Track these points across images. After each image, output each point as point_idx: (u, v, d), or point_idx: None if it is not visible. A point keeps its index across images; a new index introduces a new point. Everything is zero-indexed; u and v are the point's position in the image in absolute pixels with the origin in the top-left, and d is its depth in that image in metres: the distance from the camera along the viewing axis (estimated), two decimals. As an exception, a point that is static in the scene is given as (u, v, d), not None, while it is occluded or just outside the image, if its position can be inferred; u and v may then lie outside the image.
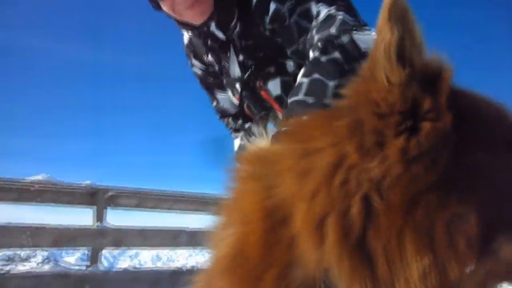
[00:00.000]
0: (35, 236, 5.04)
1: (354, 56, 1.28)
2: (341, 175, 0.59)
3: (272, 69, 1.62)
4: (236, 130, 1.98)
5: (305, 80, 1.26)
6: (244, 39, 1.64)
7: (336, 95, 1.19)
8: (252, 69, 1.65)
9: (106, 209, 5.67)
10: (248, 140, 1.92)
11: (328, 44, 1.28)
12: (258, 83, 1.69)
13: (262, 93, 1.70)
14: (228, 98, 1.89)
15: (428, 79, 0.62)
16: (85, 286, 5.11)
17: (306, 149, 0.64)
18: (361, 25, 1.35)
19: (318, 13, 1.40)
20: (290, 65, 1.63)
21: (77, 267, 6.28)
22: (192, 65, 1.94)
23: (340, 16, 1.33)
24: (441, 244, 0.56)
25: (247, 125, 1.94)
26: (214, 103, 2.00)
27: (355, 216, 0.57)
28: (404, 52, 0.61)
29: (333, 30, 1.31)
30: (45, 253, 6.71)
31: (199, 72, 1.93)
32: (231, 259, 0.65)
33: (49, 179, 5.44)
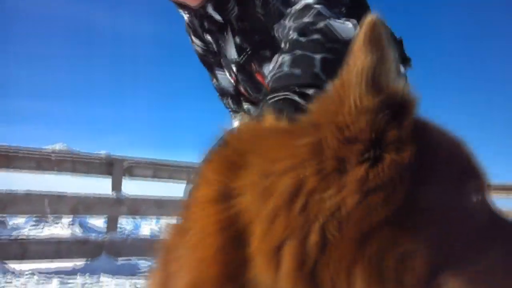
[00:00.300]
0: (55, 203, 5.23)
1: (334, 37, 1.20)
2: (301, 201, 0.58)
3: (267, 53, 1.60)
4: (235, 111, 1.99)
5: (287, 56, 1.16)
6: (241, 21, 1.62)
7: (325, 70, 1.11)
8: (248, 52, 1.64)
9: (123, 179, 5.81)
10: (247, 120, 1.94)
11: (305, 29, 1.21)
12: (253, 66, 1.67)
13: (257, 76, 1.69)
14: (227, 77, 1.89)
15: (395, 108, 0.61)
16: (102, 252, 5.31)
17: (269, 168, 0.62)
18: (339, 17, 1.28)
19: (296, 2, 1.34)
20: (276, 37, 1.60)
21: (99, 232, 6.47)
22: (192, 42, 1.93)
23: (318, 7, 1.26)
24: (390, 281, 0.56)
25: (246, 107, 1.95)
26: (214, 81, 2.00)
27: (312, 246, 0.56)
28: (377, 78, 0.60)
29: (307, 19, 1.24)
30: (71, 218, 6.94)
31: (199, 50, 1.92)
32: (189, 280, 0.63)
33: (67, 148, 5.57)
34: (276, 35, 1.44)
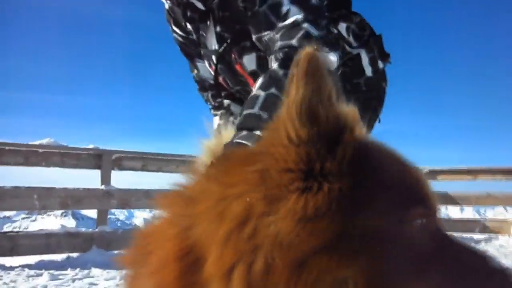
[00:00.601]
0: (44, 198, 5.22)
1: None
2: (251, 226, 0.60)
3: (248, 43, 1.60)
4: (216, 108, 1.99)
5: (262, 93, 1.28)
6: (222, 10, 1.62)
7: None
8: (228, 42, 1.64)
9: (112, 171, 5.80)
10: (227, 120, 1.94)
11: (287, 58, 1.30)
12: (233, 56, 1.67)
13: (237, 67, 1.69)
14: (207, 68, 1.88)
15: (333, 139, 0.63)
16: (92, 245, 5.33)
17: (224, 192, 0.64)
18: (324, 40, 1.36)
19: (286, 15, 1.39)
20: (255, 39, 1.58)
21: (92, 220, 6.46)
22: (173, 31, 1.91)
23: (305, 26, 1.34)
24: None
25: (225, 103, 1.95)
26: (195, 72, 1.99)
27: (257, 271, 0.58)
28: (312, 110, 0.62)
29: (294, 41, 1.33)
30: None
31: (179, 39, 1.91)
32: None
33: (55, 142, 5.53)
34: (262, 40, 1.47)
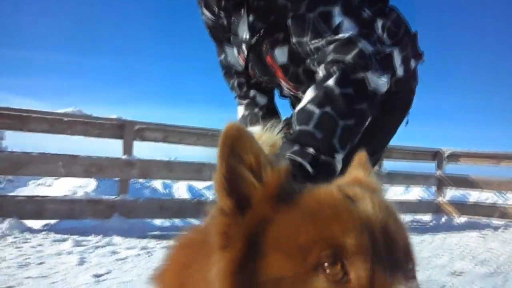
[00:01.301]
0: (68, 165, 5.38)
1: (364, 95, 1.33)
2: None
3: (281, 36, 1.57)
4: (241, 97, 1.97)
5: (317, 111, 1.29)
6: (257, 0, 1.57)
7: (342, 140, 1.28)
8: (261, 33, 1.60)
9: (134, 142, 5.91)
10: (252, 112, 1.93)
11: (343, 76, 1.30)
12: (265, 47, 1.64)
13: (267, 58, 1.66)
14: (235, 55, 1.85)
15: (244, 207, 0.73)
16: (114, 213, 5.51)
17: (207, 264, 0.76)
18: (376, 57, 1.37)
19: (339, 27, 1.37)
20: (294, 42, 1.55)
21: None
22: (202, 14, 1.87)
23: (360, 45, 1.34)
24: None
25: (252, 94, 1.93)
26: (222, 56, 1.95)
27: None
28: (232, 185, 0.71)
29: (349, 58, 1.32)
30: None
31: (209, 22, 1.86)
32: None
33: (79, 112, 5.62)
34: (305, 45, 1.45)
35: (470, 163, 8.37)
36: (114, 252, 4.17)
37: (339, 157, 1.27)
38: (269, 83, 1.83)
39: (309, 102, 1.32)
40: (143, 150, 6.14)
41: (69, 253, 4.00)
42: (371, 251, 0.64)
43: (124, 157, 5.80)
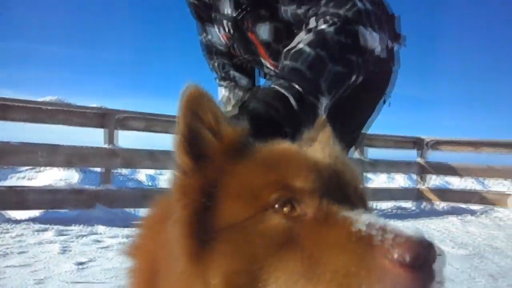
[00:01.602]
0: (49, 154, 5.31)
1: (356, 47, 1.33)
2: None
3: (264, 12, 1.57)
4: (222, 79, 1.96)
5: (308, 50, 1.28)
6: None
7: (331, 86, 1.28)
8: (246, 9, 1.60)
9: (116, 131, 5.86)
10: (234, 92, 1.93)
11: (340, 26, 1.31)
12: (247, 24, 1.64)
13: (250, 35, 1.66)
14: (217, 33, 1.84)
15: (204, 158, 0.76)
16: (97, 202, 5.47)
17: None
18: (369, 20, 1.38)
19: None
20: (284, 11, 1.56)
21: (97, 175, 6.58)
22: None
23: (356, 1, 1.35)
24: None
25: (233, 75, 1.93)
26: (203, 35, 1.94)
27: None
28: (191, 144, 0.74)
29: (345, 12, 1.33)
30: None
31: (191, 0, 1.84)
32: None
33: (59, 101, 5.55)
34: (297, 13, 1.47)
35: (451, 150, 8.53)
36: (97, 241, 4.16)
37: (323, 101, 1.28)
38: (251, 62, 1.83)
39: (301, 43, 1.32)
40: (127, 139, 6.10)
41: (51, 242, 3.98)
42: (320, 189, 0.67)
43: (106, 146, 5.75)
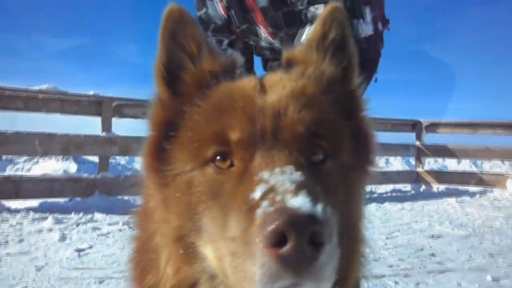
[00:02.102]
0: (45, 143, 5.25)
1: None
2: None
3: None
4: None
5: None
6: None
7: None
8: None
9: (112, 118, 5.80)
10: None
11: None
12: None
13: (249, 1, 1.68)
14: (215, 5, 1.86)
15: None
16: (95, 190, 5.44)
17: None
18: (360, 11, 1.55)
19: None
20: None
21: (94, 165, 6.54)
22: None
23: None
24: None
25: (229, 52, 1.92)
26: (203, 10, 1.93)
27: None
28: (170, 73, 0.74)
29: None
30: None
31: None
32: None
33: (54, 89, 5.47)
34: None
35: (448, 132, 8.52)
36: (96, 228, 4.14)
37: None
38: (247, 34, 1.84)
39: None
40: (123, 127, 6.04)
41: (50, 230, 3.96)
42: (252, 140, 0.68)
43: (103, 134, 5.70)
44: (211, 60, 0.73)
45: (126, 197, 5.81)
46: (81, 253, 3.30)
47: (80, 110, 5.63)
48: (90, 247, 3.50)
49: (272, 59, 1.87)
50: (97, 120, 5.72)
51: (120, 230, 4.16)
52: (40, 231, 3.90)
